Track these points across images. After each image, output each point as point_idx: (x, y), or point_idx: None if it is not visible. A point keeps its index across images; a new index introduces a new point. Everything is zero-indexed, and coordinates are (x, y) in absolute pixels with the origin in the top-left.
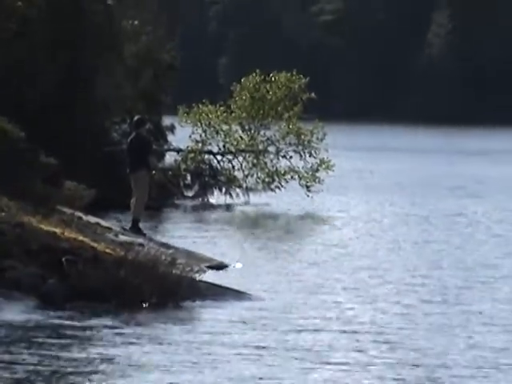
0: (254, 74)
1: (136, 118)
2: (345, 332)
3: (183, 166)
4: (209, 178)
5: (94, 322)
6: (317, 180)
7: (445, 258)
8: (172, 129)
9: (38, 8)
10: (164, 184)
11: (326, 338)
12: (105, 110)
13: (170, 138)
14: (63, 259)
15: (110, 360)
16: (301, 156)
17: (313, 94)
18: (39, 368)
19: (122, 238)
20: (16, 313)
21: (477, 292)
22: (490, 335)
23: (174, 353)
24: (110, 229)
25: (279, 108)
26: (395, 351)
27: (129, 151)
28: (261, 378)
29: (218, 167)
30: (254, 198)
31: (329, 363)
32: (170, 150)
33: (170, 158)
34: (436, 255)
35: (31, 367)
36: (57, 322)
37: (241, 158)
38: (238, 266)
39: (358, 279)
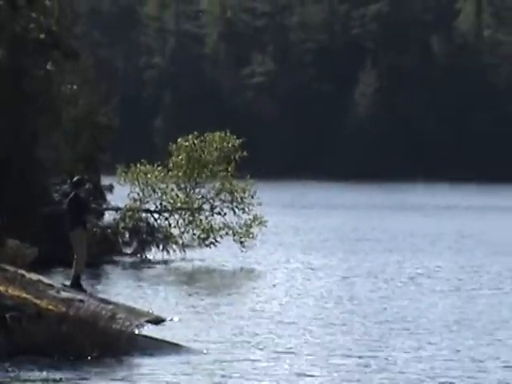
0: (190, 135)
1: (75, 178)
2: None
3: (122, 224)
4: (146, 235)
5: (36, 376)
6: (250, 235)
7: (367, 311)
8: (111, 188)
9: None
10: (103, 240)
11: None
12: (45, 171)
13: (109, 197)
14: (7, 316)
15: None
16: (234, 212)
17: (245, 153)
18: None
19: (64, 294)
20: None
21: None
22: None
23: None
24: (51, 286)
25: (214, 167)
26: None
27: (67, 211)
28: None
29: (156, 225)
30: (190, 253)
31: None
32: (108, 208)
33: (109, 216)
34: (359, 309)
35: None
36: (1, 377)
37: (177, 216)
38: (176, 319)
39: (289, 332)
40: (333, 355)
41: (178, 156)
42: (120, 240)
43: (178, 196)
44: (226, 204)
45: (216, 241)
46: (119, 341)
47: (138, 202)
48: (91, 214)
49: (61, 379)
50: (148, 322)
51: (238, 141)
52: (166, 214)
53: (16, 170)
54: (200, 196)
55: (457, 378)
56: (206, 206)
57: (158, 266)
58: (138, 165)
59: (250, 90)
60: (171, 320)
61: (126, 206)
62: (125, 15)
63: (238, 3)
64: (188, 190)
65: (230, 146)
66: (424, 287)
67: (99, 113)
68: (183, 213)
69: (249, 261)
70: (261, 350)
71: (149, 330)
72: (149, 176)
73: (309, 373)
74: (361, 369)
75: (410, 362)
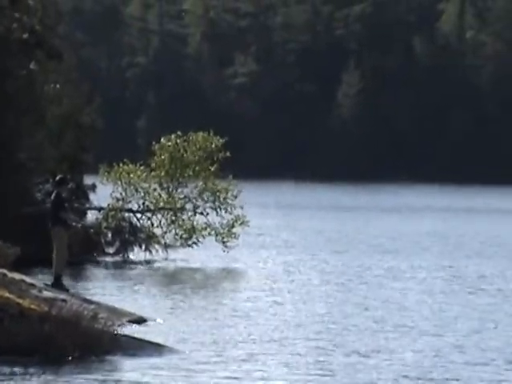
0: (173, 135)
1: (57, 177)
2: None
3: (104, 224)
4: (129, 235)
5: (18, 376)
6: (233, 236)
7: (347, 311)
8: (93, 188)
9: None
10: (85, 240)
11: None
12: (27, 170)
13: (92, 196)
14: None
15: None
16: (217, 212)
17: (228, 153)
18: None
19: (46, 293)
20: None
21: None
22: None
23: None
24: (33, 285)
25: (197, 167)
26: None
27: (50, 208)
28: None
29: (138, 224)
30: (172, 253)
31: None
32: (91, 208)
33: (91, 216)
34: (339, 310)
35: None
36: None
37: (159, 216)
38: (158, 320)
39: (271, 333)
40: (314, 354)
41: (161, 156)
42: (102, 240)
43: (160, 196)
44: (208, 204)
45: (198, 241)
46: (101, 341)
47: (121, 202)
48: (69, 213)
49: (42, 379)
50: (130, 322)
51: (221, 141)
52: (149, 214)
53: None
54: (183, 196)
55: (438, 379)
56: (189, 206)
57: (140, 265)
58: (121, 164)
59: (233, 90)
60: (154, 320)
61: (108, 205)
62: (108, 15)
63: (221, 3)
64: (170, 189)
65: (213, 146)
66: (405, 288)
67: (82, 113)
68: (166, 213)
69: (231, 261)
70: (243, 350)
71: (131, 330)
72: (131, 176)
73: (290, 373)
74: (344, 367)
75: (393, 362)
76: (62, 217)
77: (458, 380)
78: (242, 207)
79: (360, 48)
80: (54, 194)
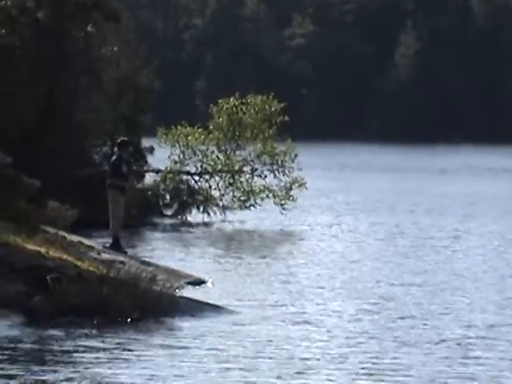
0: (231, 97)
1: (120, 139)
2: (319, 341)
3: (162, 186)
4: (187, 197)
5: (77, 337)
6: (290, 198)
7: (407, 274)
8: (151, 150)
9: (20, 36)
10: (143, 202)
11: (302, 348)
12: (85, 132)
13: (150, 159)
14: (48, 277)
15: (93, 377)
16: (275, 175)
17: (286, 118)
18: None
19: (104, 256)
20: (2, 329)
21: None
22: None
23: (156, 368)
24: (92, 247)
25: (255, 130)
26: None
27: (109, 170)
28: None
29: (196, 187)
30: (230, 215)
31: (306, 373)
32: (149, 170)
33: (149, 178)
34: (401, 274)
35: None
36: (42, 338)
37: (217, 178)
38: (216, 281)
39: (329, 294)
40: (369, 316)
41: (219, 118)
42: (160, 202)
43: (218, 158)
44: (266, 166)
45: (256, 203)
46: (160, 302)
47: (179, 164)
48: (130, 176)
49: (101, 340)
50: (188, 283)
51: (279, 105)
52: (207, 176)
53: (54, 133)
54: (241, 158)
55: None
56: (247, 169)
57: (198, 227)
58: (179, 127)
59: (290, 51)
60: (212, 282)
61: (166, 168)
62: None
63: None
64: (228, 152)
65: (272, 109)
66: (464, 250)
67: (140, 75)
68: (224, 175)
69: (289, 223)
70: (300, 310)
71: (189, 292)
72: (189, 138)
73: (345, 336)
74: (398, 332)
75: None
76: (118, 183)
77: None
78: (300, 169)
79: (417, 8)
80: (114, 157)
